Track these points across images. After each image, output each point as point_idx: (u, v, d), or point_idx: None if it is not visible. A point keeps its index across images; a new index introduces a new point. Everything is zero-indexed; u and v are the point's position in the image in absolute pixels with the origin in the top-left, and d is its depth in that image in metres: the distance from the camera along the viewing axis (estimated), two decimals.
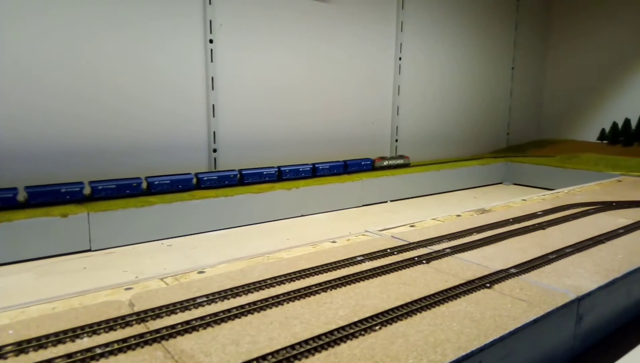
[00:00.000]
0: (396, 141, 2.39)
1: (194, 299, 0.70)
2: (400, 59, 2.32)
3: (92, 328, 0.62)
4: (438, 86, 2.54)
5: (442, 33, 2.50)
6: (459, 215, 1.30)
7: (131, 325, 0.63)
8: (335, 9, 2.05)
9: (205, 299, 0.70)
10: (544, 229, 1.15)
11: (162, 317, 0.65)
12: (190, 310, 0.67)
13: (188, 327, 0.62)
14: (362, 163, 2.05)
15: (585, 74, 2.96)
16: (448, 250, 0.95)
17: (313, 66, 2.02)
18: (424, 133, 2.51)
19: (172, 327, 0.62)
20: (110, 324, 0.63)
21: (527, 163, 2.51)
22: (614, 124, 2.67)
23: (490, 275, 0.82)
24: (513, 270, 0.84)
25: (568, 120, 3.06)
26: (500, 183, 2.56)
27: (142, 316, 0.65)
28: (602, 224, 1.19)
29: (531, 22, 2.99)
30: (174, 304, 0.68)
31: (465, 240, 1.03)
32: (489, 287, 0.77)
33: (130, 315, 0.65)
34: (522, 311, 0.68)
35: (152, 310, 0.67)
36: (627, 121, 2.63)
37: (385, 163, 2.13)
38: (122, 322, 0.63)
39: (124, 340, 0.59)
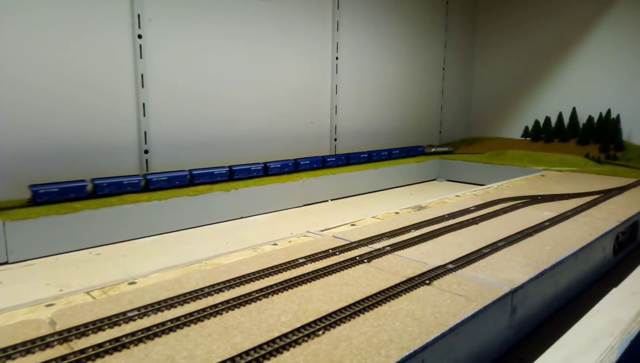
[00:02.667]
0: (335, 140, 2.40)
1: (124, 313, 0.65)
2: (337, 58, 2.33)
3: (6, 353, 0.55)
4: (373, 86, 2.59)
5: (377, 33, 2.54)
6: (397, 212, 1.32)
7: (52, 347, 0.57)
8: (271, 7, 2.02)
9: (136, 312, 0.65)
10: (477, 224, 1.19)
11: (87, 335, 0.60)
12: (119, 325, 0.62)
13: (117, 345, 0.57)
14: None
15: (509, 75, 3.13)
16: (388, 248, 0.96)
17: (250, 65, 1.98)
18: (361, 132, 2.54)
19: (100, 345, 0.57)
20: (27, 347, 0.57)
21: (458, 160, 2.62)
22: (536, 122, 2.85)
23: (429, 271, 0.84)
24: (450, 266, 0.86)
25: (494, 118, 3.23)
26: (435, 179, 2.64)
27: (64, 335, 0.59)
28: (530, 217, 1.26)
29: (460, 25, 3.12)
30: (101, 320, 0.63)
31: (404, 237, 1.05)
32: (428, 284, 0.78)
33: (51, 334, 0.60)
34: (461, 306, 0.70)
35: (77, 327, 0.61)
36: (547, 119, 2.82)
37: (433, 149, 2.47)
38: (41, 343, 0.57)
39: None
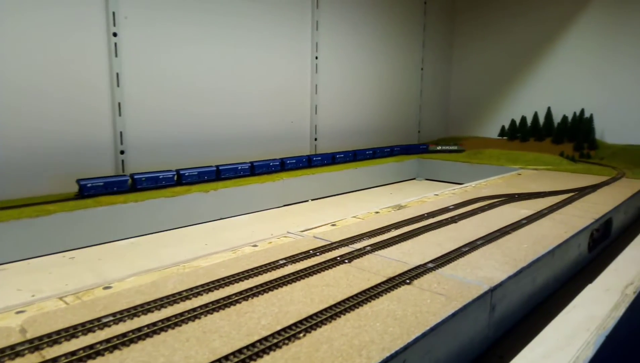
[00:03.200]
0: (315, 139, 2.39)
1: (98, 319, 0.63)
2: (316, 58, 2.33)
3: None
4: (353, 86, 2.59)
5: (356, 33, 2.55)
6: (377, 212, 1.32)
7: (22, 356, 0.55)
8: (250, 6, 2.00)
9: (111, 318, 0.63)
10: (456, 222, 1.20)
11: (60, 343, 0.58)
12: (94, 332, 0.60)
13: (92, 352, 0.55)
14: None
15: (486, 74, 3.18)
16: (369, 248, 0.96)
17: (228, 64, 1.96)
18: (341, 131, 2.54)
19: (73, 353, 0.55)
20: None
21: (437, 159, 2.64)
22: (513, 122, 2.90)
23: (410, 270, 0.84)
24: (430, 265, 0.87)
25: (472, 118, 3.27)
26: (414, 178, 2.66)
27: (36, 343, 0.57)
28: (507, 215, 1.27)
29: (438, 25, 3.15)
30: (74, 327, 0.61)
31: (385, 237, 1.05)
32: (408, 283, 0.78)
33: (22, 343, 0.57)
34: (441, 305, 0.70)
35: (49, 335, 0.59)
36: (523, 119, 2.87)
37: (439, 147, 2.40)
38: (11, 352, 0.55)
39: None
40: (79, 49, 1.52)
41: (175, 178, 1.64)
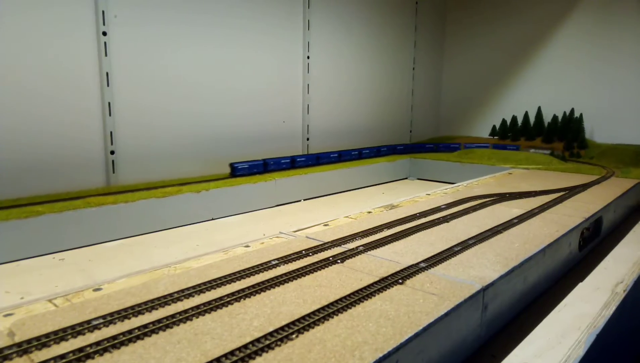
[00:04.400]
0: (307, 139, 2.39)
1: (88, 321, 0.62)
2: (308, 57, 2.32)
3: None
4: (345, 85, 2.59)
5: (348, 33, 2.55)
6: (370, 212, 1.32)
7: (11, 359, 0.54)
8: (242, 5, 1.99)
9: (102, 320, 0.62)
10: (448, 222, 1.20)
11: (49, 346, 0.57)
12: (84, 334, 0.60)
13: (81, 355, 0.54)
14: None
15: (477, 74, 3.20)
16: (361, 248, 0.96)
17: (220, 63, 1.95)
18: (332, 131, 2.54)
19: (62, 356, 0.54)
20: None
21: (429, 159, 2.65)
22: (503, 121, 2.92)
23: (402, 270, 0.84)
24: (423, 264, 0.87)
25: (463, 117, 3.29)
26: (406, 178, 2.67)
27: (24, 347, 0.56)
28: (499, 214, 1.28)
29: (429, 25, 3.16)
30: (64, 329, 0.60)
31: (377, 237, 1.05)
32: (401, 283, 0.78)
33: (10, 346, 0.56)
34: (434, 305, 0.70)
35: (37, 338, 0.58)
36: (514, 118, 2.89)
37: (532, 150, 2.39)
38: None
39: None
40: (69, 49, 1.51)
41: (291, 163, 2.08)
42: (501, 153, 2.63)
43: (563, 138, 2.69)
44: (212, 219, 1.67)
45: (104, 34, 1.58)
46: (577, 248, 1.23)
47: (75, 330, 0.60)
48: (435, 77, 3.32)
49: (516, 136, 2.86)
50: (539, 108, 2.82)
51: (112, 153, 1.64)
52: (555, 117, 2.75)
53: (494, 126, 2.96)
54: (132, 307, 0.66)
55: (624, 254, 1.18)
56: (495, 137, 2.95)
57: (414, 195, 1.57)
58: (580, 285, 0.97)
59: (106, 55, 1.59)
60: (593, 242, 1.35)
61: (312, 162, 2.22)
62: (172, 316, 0.64)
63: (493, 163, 2.45)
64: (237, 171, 1.88)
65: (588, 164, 2.38)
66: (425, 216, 1.25)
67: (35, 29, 1.43)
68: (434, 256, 0.92)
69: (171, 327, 0.61)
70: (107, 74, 1.60)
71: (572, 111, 2.71)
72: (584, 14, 2.72)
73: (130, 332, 0.59)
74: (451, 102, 3.35)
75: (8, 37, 1.38)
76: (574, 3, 2.74)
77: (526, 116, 2.84)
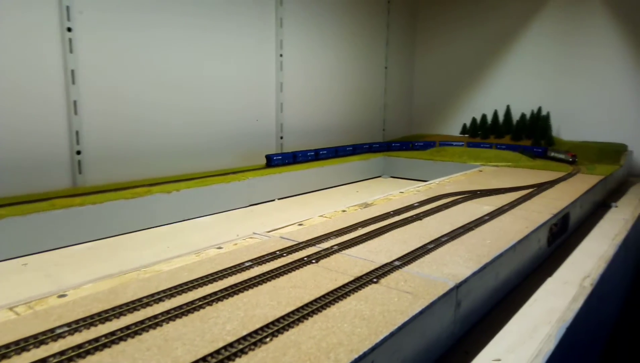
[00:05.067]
0: (281, 138, 2.37)
1: (52, 330, 0.59)
2: (281, 55, 2.31)
3: None
4: (318, 84, 2.58)
5: (320, 31, 2.54)
6: (344, 210, 1.32)
7: None
8: (213, 2, 1.95)
9: (66, 328, 0.60)
10: (421, 219, 1.21)
11: (9, 357, 0.54)
12: (47, 344, 0.57)
13: None
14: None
15: (448, 73, 3.24)
16: (336, 247, 0.95)
17: (191, 60, 1.91)
18: (306, 129, 2.53)
19: None
20: None
21: (402, 157, 2.67)
22: (474, 120, 2.97)
23: (377, 269, 0.84)
24: (397, 263, 0.87)
25: (435, 116, 3.33)
26: (380, 176, 2.69)
27: None
28: (471, 211, 1.30)
29: (401, 23, 3.19)
30: (25, 339, 0.57)
31: (352, 236, 1.04)
32: (376, 282, 0.78)
33: None
34: (408, 304, 0.70)
35: None
36: (484, 117, 2.94)
37: (552, 154, 2.44)
38: None
39: None
40: (31, 45, 1.45)
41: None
42: (472, 151, 2.67)
43: (531, 135, 2.76)
44: (184, 220, 1.63)
45: (69, 30, 1.52)
46: (546, 244, 1.26)
47: (37, 340, 0.57)
48: (408, 75, 3.35)
49: (486, 134, 2.91)
50: (508, 107, 2.88)
51: (79, 153, 1.59)
52: (523, 116, 2.82)
53: (465, 125, 3.01)
54: (98, 314, 0.64)
55: (591, 248, 1.22)
56: (466, 135, 3.00)
57: (388, 193, 1.58)
58: (549, 279, 0.99)
59: (71, 52, 1.53)
60: (561, 237, 1.39)
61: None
62: (141, 322, 0.62)
63: (464, 161, 2.48)
64: (272, 162, 2.12)
65: (555, 161, 2.44)
66: (398, 214, 1.25)
67: None
68: (407, 254, 0.92)
69: (140, 334, 0.59)
70: (72, 71, 1.54)
71: (540, 109, 2.78)
72: (552, 13, 2.79)
73: (96, 339, 0.57)
74: (423, 101, 3.39)
75: None
76: (542, 2, 2.81)
77: (495, 114, 2.90)
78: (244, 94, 2.17)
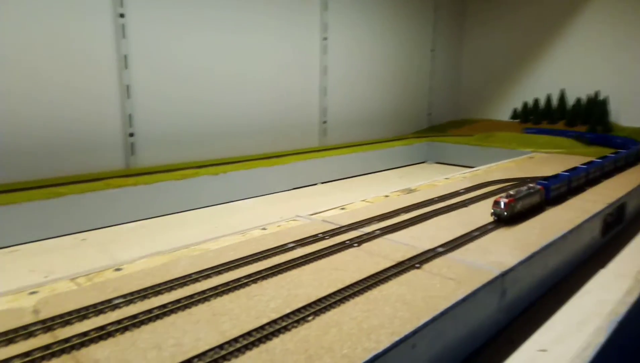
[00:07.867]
0: (324, 122, 2.38)
1: (109, 301, 0.64)
2: (325, 39, 2.29)
3: None
4: (362, 68, 2.56)
5: (365, 15, 2.50)
6: (387, 196, 1.32)
7: (35, 336, 0.56)
8: None
9: (122, 300, 0.64)
10: (466, 206, 1.19)
11: (72, 324, 0.59)
12: (105, 313, 0.61)
13: (103, 333, 0.56)
14: None
15: (498, 56, 3.12)
16: (378, 232, 0.95)
17: (239, 44, 1.94)
18: (349, 114, 2.52)
19: (84, 334, 0.55)
20: (9, 336, 0.55)
21: (448, 143, 2.61)
22: (525, 104, 2.85)
23: (419, 255, 0.83)
24: (440, 249, 0.86)
25: (483, 100, 3.22)
26: (424, 162, 2.64)
27: (48, 324, 0.58)
28: None
29: (449, 6, 3.08)
30: (86, 308, 0.62)
31: (394, 221, 1.04)
32: (418, 267, 0.78)
33: (35, 323, 0.58)
34: (451, 290, 0.69)
35: (61, 316, 0.60)
36: (536, 101, 2.82)
37: None
38: (24, 332, 0.56)
39: (27, 354, 0.52)
40: (87, 32, 1.51)
41: None
42: (522, 137, 2.57)
43: (587, 121, 2.62)
44: (230, 201, 1.68)
45: (122, 15, 1.58)
46: (600, 234, 1.20)
47: (96, 309, 0.61)
48: (455, 59, 3.25)
49: (538, 119, 2.79)
50: (562, 91, 2.74)
51: (132, 135, 1.66)
52: (579, 100, 2.68)
53: (515, 109, 2.90)
54: (151, 287, 0.67)
55: None
56: (517, 120, 2.89)
57: (432, 179, 1.55)
58: (601, 271, 0.95)
59: (124, 37, 1.59)
60: (616, 229, 1.32)
61: None
62: (191, 296, 0.65)
63: (513, 147, 2.40)
64: None
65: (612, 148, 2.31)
66: (443, 201, 1.23)
67: (50, 12, 1.44)
68: (451, 240, 0.91)
69: (190, 307, 0.62)
70: (125, 56, 1.60)
71: (597, 93, 2.63)
72: None
73: (149, 311, 0.60)
74: (471, 84, 3.28)
75: (24, 21, 1.39)
76: None
77: (548, 99, 2.77)
78: (289, 77, 2.18)
